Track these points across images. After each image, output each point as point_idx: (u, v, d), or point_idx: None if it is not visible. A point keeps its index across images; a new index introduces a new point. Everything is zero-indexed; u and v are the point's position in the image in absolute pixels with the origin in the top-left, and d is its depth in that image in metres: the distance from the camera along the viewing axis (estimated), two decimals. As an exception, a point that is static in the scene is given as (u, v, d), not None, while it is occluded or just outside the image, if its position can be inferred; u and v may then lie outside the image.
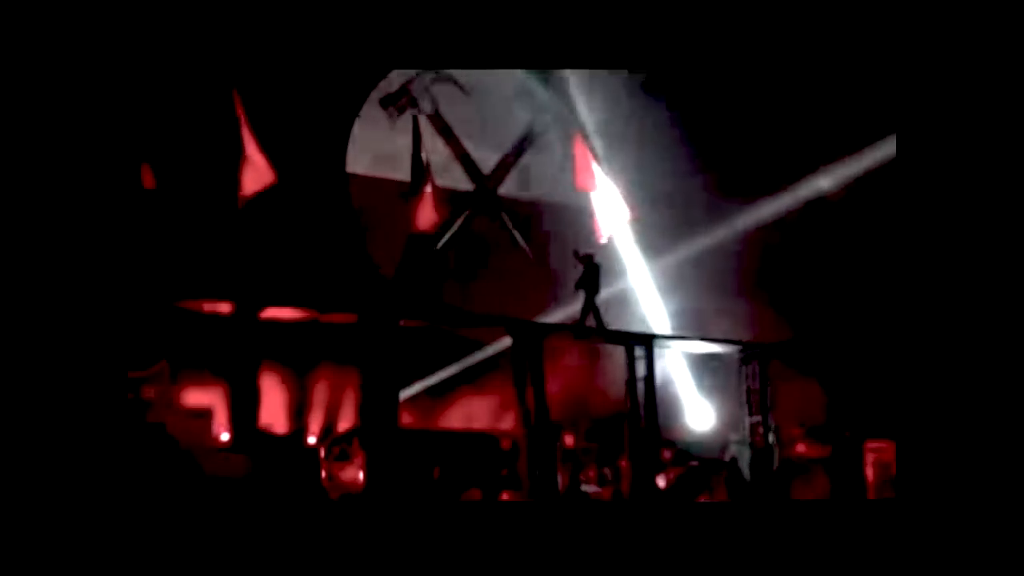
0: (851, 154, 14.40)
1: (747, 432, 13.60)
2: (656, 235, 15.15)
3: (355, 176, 14.23)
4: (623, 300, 15.19)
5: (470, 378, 13.86)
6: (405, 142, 13.65)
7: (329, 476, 11.67)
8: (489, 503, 11.47)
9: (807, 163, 14.87)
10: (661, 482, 12.66)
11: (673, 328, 15.03)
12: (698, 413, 15.35)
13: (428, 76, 14.81)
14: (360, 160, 14.32)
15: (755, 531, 7.95)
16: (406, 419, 11.95)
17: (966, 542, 5.64)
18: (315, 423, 13.08)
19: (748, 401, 13.71)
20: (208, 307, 10.84)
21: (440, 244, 14.72)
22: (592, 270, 12.94)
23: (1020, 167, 5.92)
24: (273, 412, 12.45)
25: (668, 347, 13.98)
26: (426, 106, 14.90)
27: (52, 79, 6.15)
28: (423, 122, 14.66)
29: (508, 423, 12.91)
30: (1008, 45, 5.97)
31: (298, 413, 12.98)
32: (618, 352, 13.16)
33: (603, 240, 13.32)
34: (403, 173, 13.43)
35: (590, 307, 12.80)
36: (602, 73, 14.59)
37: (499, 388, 13.07)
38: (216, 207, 11.82)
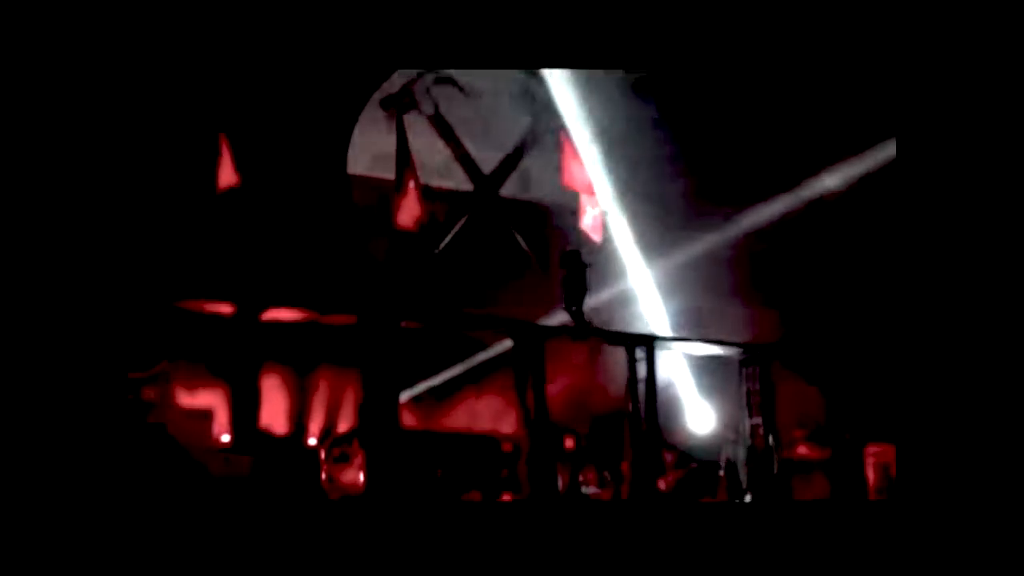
0: (851, 155, 14.40)
1: (746, 433, 13.61)
2: (656, 236, 15.14)
3: (356, 177, 14.21)
4: (623, 301, 15.19)
5: (471, 379, 13.84)
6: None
7: (329, 477, 11.67)
8: (489, 504, 11.48)
9: (805, 164, 14.85)
10: (662, 484, 12.66)
11: (674, 329, 15.02)
12: (699, 415, 15.34)
13: (429, 77, 14.81)
14: (361, 161, 14.31)
15: (755, 532, 7.95)
16: (406, 420, 11.95)
17: (966, 543, 5.63)
18: (315, 424, 13.08)
19: (748, 403, 13.72)
20: (209, 308, 10.84)
21: (441, 245, 14.73)
22: (577, 269, 12.87)
23: (1020, 168, 5.91)
24: (273, 413, 12.44)
25: (669, 348, 13.97)
26: (427, 107, 14.89)
27: (50, 80, 6.15)
28: (424, 123, 14.68)
29: (509, 425, 12.91)
30: (1005, 46, 5.97)
31: (298, 414, 12.97)
32: (619, 353, 13.16)
33: (598, 239, 13.29)
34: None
35: (574, 306, 12.71)
36: (599, 74, 14.58)
37: (500, 390, 13.07)
38: (217, 207, 11.82)
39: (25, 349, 6.23)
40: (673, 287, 15.29)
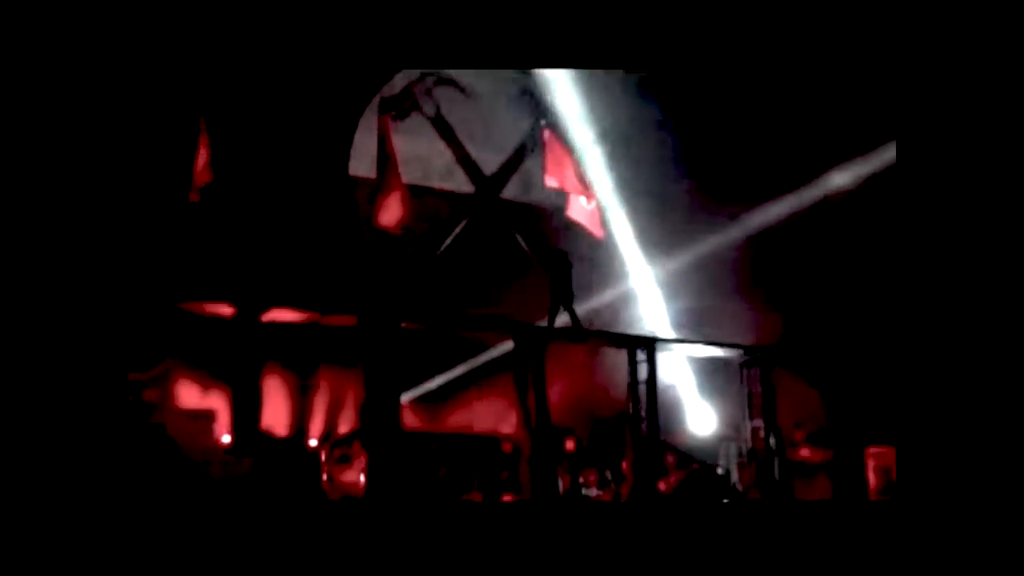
0: (855, 155, 14.38)
1: (747, 433, 13.62)
2: (658, 235, 15.13)
3: (357, 178, 14.22)
4: (625, 301, 15.19)
5: (472, 380, 13.85)
6: (407, 145, 13.66)
7: (330, 478, 11.67)
8: (490, 504, 11.48)
9: (810, 163, 14.83)
10: (662, 486, 12.66)
11: (676, 329, 15.02)
12: (700, 417, 15.33)
13: (430, 79, 14.81)
14: (362, 162, 14.31)
15: (756, 532, 7.95)
16: (407, 421, 11.95)
17: (966, 544, 5.63)
18: (316, 425, 13.08)
19: (749, 405, 13.72)
20: (210, 309, 10.85)
21: (442, 247, 14.73)
22: (561, 269, 12.84)
23: (1021, 171, 5.90)
24: (274, 414, 12.45)
25: (670, 350, 13.97)
26: (428, 109, 14.90)
27: (51, 80, 6.15)
28: (426, 125, 14.68)
29: (510, 426, 12.91)
30: (1005, 47, 5.96)
31: (299, 415, 12.98)
32: (620, 354, 13.16)
33: (599, 233, 13.22)
34: (405, 175, 13.44)
35: (559, 306, 12.68)
36: (602, 73, 14.57)
37: (501, 391, 13.06)
38: (218, 207, 11.83)
39: (26, 350, 6.23)
40: (676, 287, 15.29)
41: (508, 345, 12.37)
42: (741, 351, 13.98)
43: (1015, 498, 5.63)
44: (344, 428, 12.96)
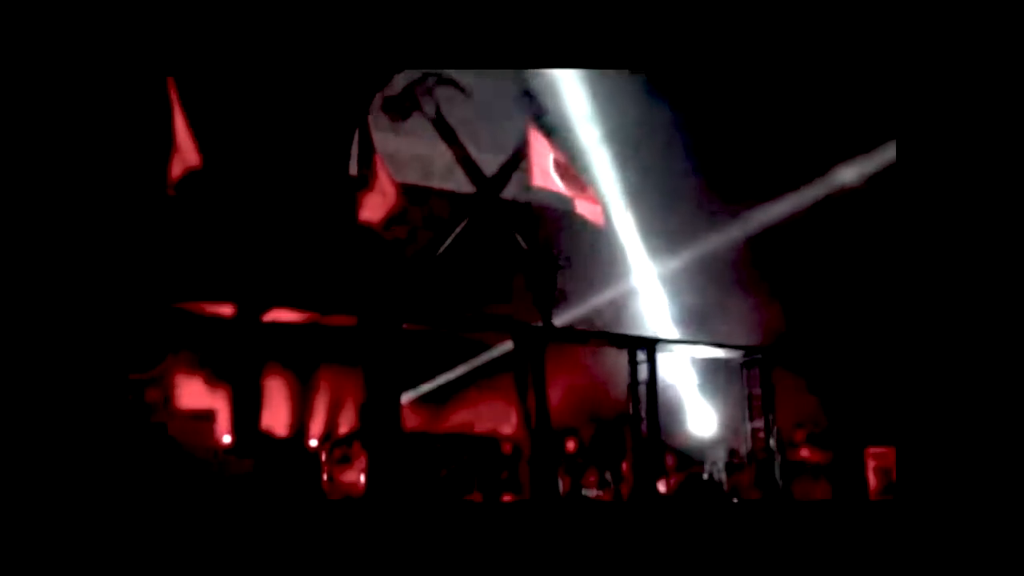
0: (860, 154, 14.34)
1: (746, 434, 13.62)
2: (663, 232, 15.13)
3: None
4: (627, 299, 15.18)
5: (472, 381, 13.85)
6: (408, 145, 13.67)
7: (330, 479, 11.68)
8: (490, 505, 11.48)
9: (817, 160, 14.78)
10: (662, 487, 12.66)
11: (678, 326, 15.03)
12: (701, 418, 15.33)
13: (431, 79, 14.82)
14: (363, 163, 14.30)
15: (756, 532, 7.95)
16: (408, 422, 11.95)
17: (966, 545, 5.63)
18: (317, 426, 13.09)
19: (749, 405, 13.72)
20: (210, 309, 10.85)
21: (442, 247, 14.73)
22: (545, 268, 12.83)
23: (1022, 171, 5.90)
24: (275, 414, 12.45)
25: (670, 351, 13.97)
26: (429, 109, 14.91)
27: (57, 80, 6.14)
28: (426, 125, 14.69)
29: (510, 426, 12.91)
30: (1006, 47, 5.96)
31: (300, 416, 12.98)
32: (622, 353, 13.16)
33: (600, 222, 13.15)
34: (405, 176, 13.45)
35: (543, 306, 12.66)
36: (607, 72, 14.56)
37: (501, 391, 13.07)
38: (218, 208, 11.84)
39: (25, 351, 6.23)
40: (679, 284, 15.29)
41: (508, 345, 12.37)
42: (742, 351, 13.98)
43: (1015, 498, 5.63)
44: (344, 428, 12.97)
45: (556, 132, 15.37)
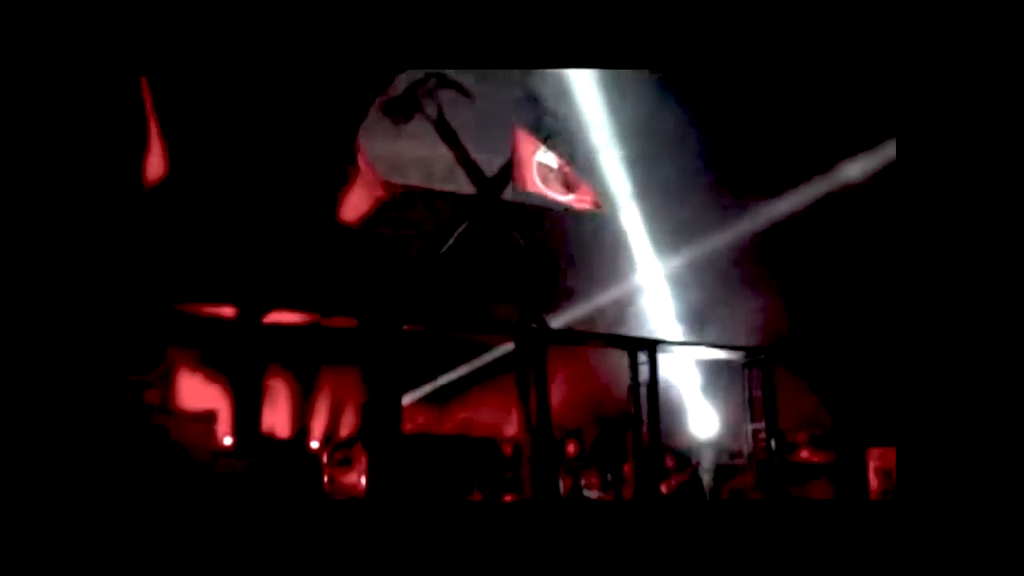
0: (864, 151, 14.28)
1: (747, 435, 13.61)
2: (670, 230, 15.11)
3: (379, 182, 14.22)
4: (631, 298, 15.17)
5: (473, 382, 13.85)
6: (409, 147, 13.66)
7: (331, 480, 11.68)
8: (490, 504, 11.47)
9: (820, 158, 14.72)
10: (663, 488, 12.66)
11: (682, 323, 15.02)
12: (702, 419, 15.32)
13: (432, 80, 14.82)
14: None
15: (757, 533, 7.94)
16: (408, 423, 11.96)
17: (966, 546, 5.62)
18: (318, 427, 13.10)
19: (750, 407, 13.71)
20: (211, 310, 10.86)
21: (443, 248, 14.72)
22: (547, 265, 12.83)
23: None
24: (276, 416, 12.46)
25: (671, 352, 13.96)
26: (430, 111, 14.90)
27: (62, 78, 6.13)
28: (427, 127, 14.68)
29: (511, 427, 12.91)
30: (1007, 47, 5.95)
31: (301, 417, 12.99)
32: (624, 354, 13.15)
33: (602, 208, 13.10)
34: (406, 177, 13.45)
35: (535, 306, 12.66)
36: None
37: (503, 392, 13.07)
38: (220, 209, 11.85)
39: (25, 352, 6.23)
40: (684, 282, 15.27)
41: (509, 346, 12.38)
42: (743, 352, 13.96)
43: (1016, 499, 5.62)
44: (345, 430, 12.98)
45: (560, 132, 15.40)
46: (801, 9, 7.14)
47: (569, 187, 12.81)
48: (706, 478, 13.41)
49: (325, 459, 12.06)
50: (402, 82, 14.58)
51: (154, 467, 9.35)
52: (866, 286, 13.89)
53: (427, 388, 13.53)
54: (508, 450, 12.72)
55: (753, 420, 13.69)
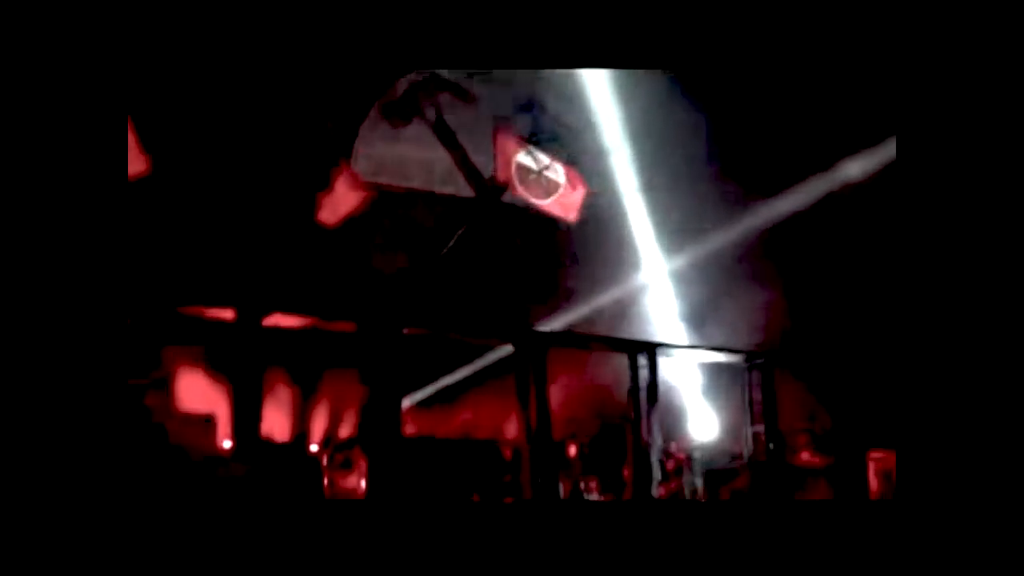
0: (867, 150, 14.26)
1: (748, 438, 13.61)
2: (673, 228, 15.12)
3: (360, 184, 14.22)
4: (633, 298, 15.17)
5: (473, 384, 13.86)
6: (409, 150, 13.67)
7: (331, 484, 11.68)
8: (489, 507, 11.47)
9: (825, 157, 14.69)
10: (663, 491, 12.66)
11: (684, 323, 15.02)
12: (702, 421, 15.33)
13: (431, 83, 14.83)
14: (364, 168, 14.32)
15: (758, 534, 7.93)
16: (407, 426, 11.96)
17: (965, 547, 5.62)
18: (317, 430, 13.10)
19: (750, 409, 13.71)
20: (210, 313, 10.86)
21: (443, 251, 14.73)
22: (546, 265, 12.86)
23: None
24: (275, 419, 12.46)
25: (671, 356, 13.96)
26: (429, 113, 14.92)
27: (59, 77, 6.12)
28: (426, 129, 14.69)
29: (511, 430, 12.91)
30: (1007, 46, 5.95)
31: (300, 420, 13.00)
32: (622, 358, 13.16)
33: (572, 217, 13.10)
34: (406, 180, 13.46)
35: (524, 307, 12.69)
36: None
37: (502, 395, 13.07)
38: (221, 211, 11.86)
39: (24, 354, 6.23)
40: (687, 280, 15.27)
41: (508, 348, 12.38)
42: (743, 355, 13.97)
43: (1016, 500, 5.62)
44: (345, 433, 12.98)
45: (561, 134, 15.40)
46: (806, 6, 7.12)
47: (549, 191, 12.82)
48: (699, 482, 13.40)
49: (325, 462, 12.05)
50: (401, 85, 14.60)
51: (153, 470, 9.34)
52: (867, 287, 13.88)
53: (427, 391, 13.53)
54: (508, 453, 12.73)
55: (753, 422, 13.69)
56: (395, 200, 14.12)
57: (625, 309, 14.98)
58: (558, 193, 12.84)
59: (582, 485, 12.81)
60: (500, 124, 12.93)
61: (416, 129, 14.38)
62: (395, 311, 12.12)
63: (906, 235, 6.11)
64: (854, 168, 14.49)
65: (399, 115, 14.45)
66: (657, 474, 12.56)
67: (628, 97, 15.02)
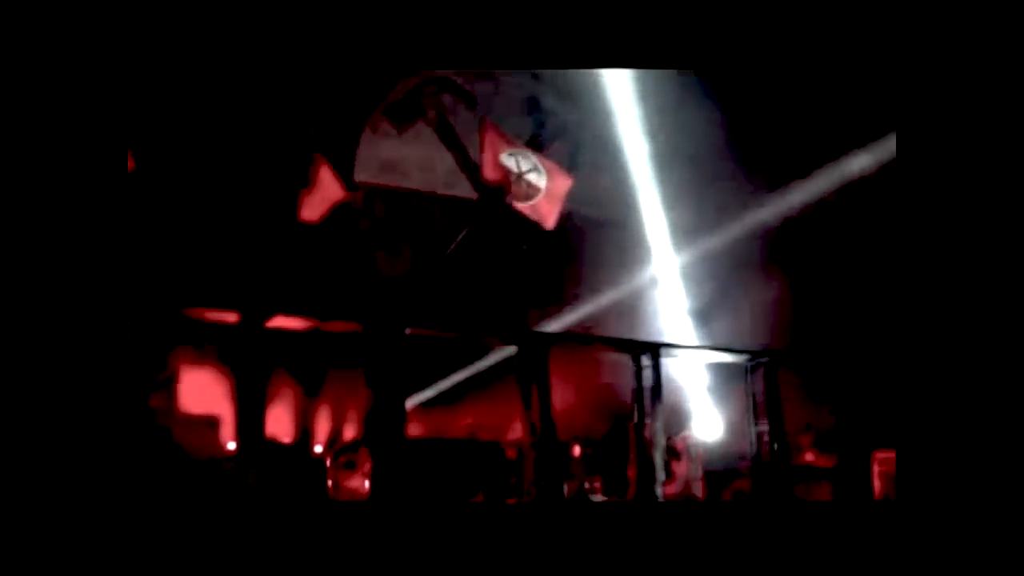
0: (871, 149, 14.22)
1: (753, 438, 13.59)
2: (688, 222, 15.12)
3: (362, 185, 14.27)
4: (640, 295, 15.17)
5: (477, 385, 13.87)
6: (412, 151, 13.70)
7: (335, 485, 11.70)
8: (493, 508, 11.48)
9: (838, 156, 14.65)
10: (670, 491, 12.67)
11: (693, 319, 15.01)
12: (707, 421, 15.31)
13: (434, 84, 14.86)
14: (368, 169, 14.37)
15: (759, 534, 7.93)
16: (412, 427, 11.97)
17: (965, 547, 5.62)
18: (321, 432, 13.12)
19: (754, 409, 13.70)
20: (214, 316, 10.89)
21: (446, 253, 14.75)
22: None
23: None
24: (280, 421, 12.48)
25: (675, 356, 13.96)
26: (431, 114, 14.94)
27: (58, 79, 6.14)
28: (428, 131, 14.73)
29: (514, 431, 12.92)
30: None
31: (304, 422, 13.02)
32: (626, 358, 13.16)
33: (549, 225, 13.09)
34: (410, 181, 13.49)
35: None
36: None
37: (506, 395, 13.07)
38: (223, 214, 11.89)
39: (29, 356, 6.25)
40: (695, 278, 15.26)
41: (511, 348, 12.38)
42: (747, 355, 13.96)
43: (1016, 501, 5.62)
44: (349, 434, 13.00)
45: (562, 135, 15.43)
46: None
47: (528, 196, 12.83)
48: (698, 471, 13.36)
49: (329, 463, 12.08)
50: (404, 86, 14.63)
51: (158, 471, 9.37)
52: (871, 287, 13.86)
53: (431, 392, 13.54)
54: (512, 454, 12.73)
55: (758, 423, 13.68)
56: (398, 202, 14.18)
57: (631, 308, 14.98)
58: (536, 198, 12.86)
59: (586, 486, 12.81)
60: (488, 123, 12.88)
61: (419, 130, 14.42)
62: (399, 312, 12.14)
63: (913, 237, 6.11)
64: (862, 166, 14.44)
65: (402, 117, 14.49)
66: (661, 474, 12.54)
67: (647, 89, 14.99)
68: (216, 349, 11.40)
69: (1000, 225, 5.88)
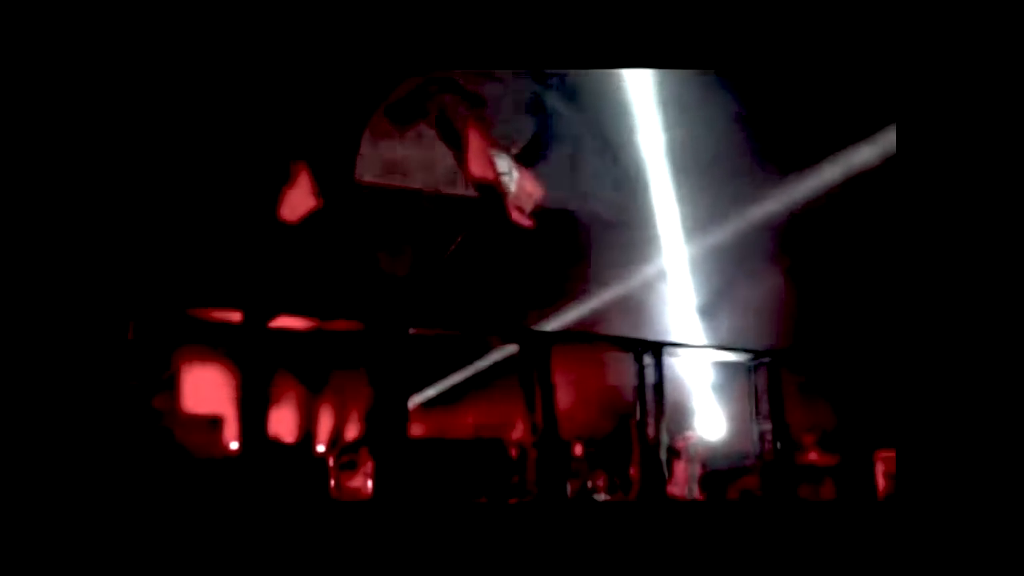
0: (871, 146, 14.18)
1: (755, 438, 13.58)
2: (685, 222, 15.10)
3: (364, 185, 14.27)
4: (648, 290, 15.15)
5: (479, 383, 13.86)
6: (414, 151, 13.69)
7: (337, 484, 11.71)
8: (496, 507, 11.48)
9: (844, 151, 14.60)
10: (676, 490, 12.67)
11: (700, 316, 15.00)
12: (710, 420, 15.30)
13: (435, 84, 14.85)
14: (370, 169, 14.37)
15: (764, 534, 7.94)
16: (414, 427, 11.97)
17: (965, 548, 5.62)
18: (324, 432, 13.12)
19: (757, 408, 13.68)
20: (217, 315, 10.90)
21: (447, 252, 14.76)
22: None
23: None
24: (282, 420, 12.49)
25: (677, 355, 13.95)
26: (432, 114, 14.94)
27: (58, 80, 6.15)
28: (429, 132, 14.72)
29: (517, 430, 12.92)
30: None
31: (307, 422, 13.02)
32: (629, 357, 13.15)
33: (527, 224, 13.11)
34: (412, 181, 13.48)
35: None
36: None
37: (508, 394, 13.07)
38: (226, 214, 11.90)
39: (32, 356, 6.27)
40: (702, 273, 15.24)
41: (513, 347, 12.39)
42: (750, 355, 13.94)
43: (1016, 502, 5.61)
44: (352, 434, 13.00)
45: (567, 131, 15.41)
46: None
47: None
48: (696, 469, 13.35)
49: (331, 462, 12.08)
50: (405, 85, 14.63)
51: (160, 471, 9.39)
52: (875, 287, 13.83)
53: (433, 391, 13.54)
54: (514, 452, 12.73)
55: (761, 422, 13.66)
56: (400, 201, 14.17)
57: (634, 305, 14.96)
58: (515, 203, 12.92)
59: (589, 485, 12.80)
60: (472, 120, 12.91)
61: (420, 130, 14.42)
62: (401, 311, 12.14)
63: (916, 236, 6.10)
64: (868, 161, 14.38)
65: (403, 117, 14.48)
66: (665, 473, 12.54)
67: (654, 89, 14.95)
68: (219, 349, 11.41)
69: (1002, 227, 5.88)
